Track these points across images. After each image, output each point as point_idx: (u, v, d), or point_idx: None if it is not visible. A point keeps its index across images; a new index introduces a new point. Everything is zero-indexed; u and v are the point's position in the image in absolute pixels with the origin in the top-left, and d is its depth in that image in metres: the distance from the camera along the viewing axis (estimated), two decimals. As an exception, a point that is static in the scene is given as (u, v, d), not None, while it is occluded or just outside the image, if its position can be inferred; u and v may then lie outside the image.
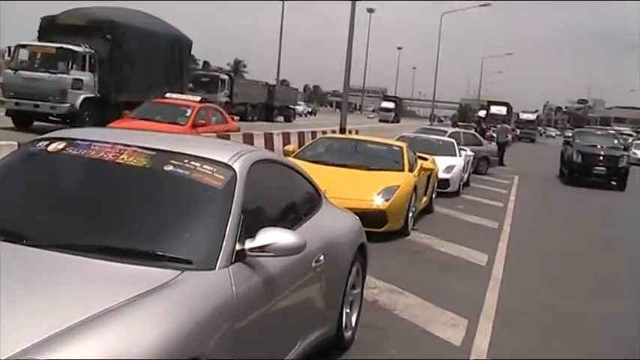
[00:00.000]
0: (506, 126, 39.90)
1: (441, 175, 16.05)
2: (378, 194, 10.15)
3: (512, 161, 31.52)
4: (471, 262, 9.34)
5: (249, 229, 3.63)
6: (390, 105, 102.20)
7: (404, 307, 6.81)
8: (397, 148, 11.94)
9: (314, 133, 21.49)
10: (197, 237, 3.56)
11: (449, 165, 16.95)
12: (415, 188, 10.96)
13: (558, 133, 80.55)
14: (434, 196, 13.78)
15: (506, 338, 6.23)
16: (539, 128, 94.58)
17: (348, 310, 5.39)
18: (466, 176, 19.20)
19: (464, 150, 19.58)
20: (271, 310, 3.75)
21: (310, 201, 5.11)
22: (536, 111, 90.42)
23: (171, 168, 3.85)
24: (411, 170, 11.33)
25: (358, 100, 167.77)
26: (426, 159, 13.54)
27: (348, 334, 5.37)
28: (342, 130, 20.77)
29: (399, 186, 10.40)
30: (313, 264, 4.42)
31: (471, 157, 20.19)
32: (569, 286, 8.78)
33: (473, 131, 29.21)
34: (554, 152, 45.79)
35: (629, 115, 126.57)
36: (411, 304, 6.93)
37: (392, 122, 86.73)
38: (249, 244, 3.57)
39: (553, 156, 42.31)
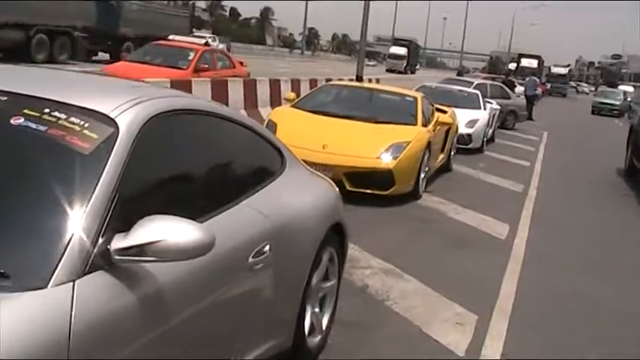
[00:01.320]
0: (535, 78, 38.10)
1: (463, 129, 14.64)
2: (385, 151, 8.77)
3: (541, 116, 29.85)
4: (488, 235, 7.98)
5: (129, 219, 2.32)
6: (401, 51, 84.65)
7: (400, 295, 5.49)
8: (411, 99, 10.48)
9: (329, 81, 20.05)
10: (23, 235, 2.23)
11: (472, 119, 15.52)
12: (429, 145, 9.56)
13: (592, 89, 77.74)
14: (453, 153, 12.37)
15: (523, 346, 4.89)
16: (572, 83, 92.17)
17: (316, 310, 4.08)
18: (491, 131, 17.73)
19: (489, 103, 18.08)
20: (164, 339, 2.45)
21: (261, 169, 3.76)
22: (568, 65, 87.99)
23: (21, 121, 2.51)
24: (425, 124, 9.91)
25: (387, 50, 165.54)
26: (444, 111, 12.09)
27: (314, 340, 4.06)
28: (359, 79, 19.27)
29: (409, 142, 9.00)
30: (250, 259, 3.10)
31: (497, 111, 18.67)
32: (605, 270, 7.36)
33: (501, 83, 27.47)
34: (586, 107, 43.93)
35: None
36: (410, 292, 5.60)
37: (403, 72, 74.86)
38: (118, 242, 2.26)
39: (585, 111, 40.55)
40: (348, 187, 8.54)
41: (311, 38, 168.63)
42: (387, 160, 8.69)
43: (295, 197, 3.76)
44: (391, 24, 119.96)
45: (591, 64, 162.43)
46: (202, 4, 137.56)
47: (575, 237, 8.76)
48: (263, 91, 14.15)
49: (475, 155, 15.16)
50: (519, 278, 6.36)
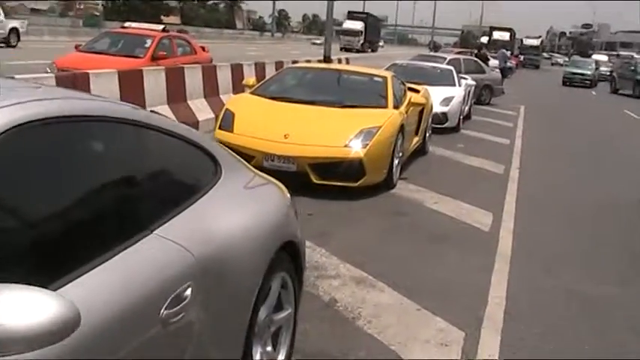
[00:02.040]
0: (504, 51, 37.64)
1: (438, 108, 13.91)
2: (353, 138, 7.98)
3: (516, 89, 29.20)
4: (471, 227, 7.23)
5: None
6: (357, 25, 75.14)
7: (373, 311, 4.71)
8: (380, 80, 9.67)
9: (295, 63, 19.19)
10: None
11: (447, 96, 14.77)
12: (402, 128, 8.79)
13: (566, 59, 77.15)
14: (428, 134, 11.61)
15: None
16: (545, 54, 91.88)
17: (268, 349, 3.30)
18: (467, 108, 17.01)
19: (464, 79, 17.32)
20: None
21: (183, 184, 2.96)
22: (540, 36, 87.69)
23: None
24: (396, 107, 9.12)
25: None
26: (417, 91, 11.31)
27: (266, 386, 3.28)
28: (326, 59, 18.44)
29: (379, 127, 8.21)
30: (163, 312, 2.30)
31: (473, 87, 17.92)
32: (602, 264, 6.63)
33: (474, 57, 26.72)
34: (561, 79, 43.41)
35: (636, 40, 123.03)
36: (384, 306, 4.82)
37: (361, 51, 68.17)
38: None
39: (560, 83, 40.02)
40: (315, 180, 7.78)
41: (281, 20, 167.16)
42: (356, 148, 7.91)
43: (230, 216, 2.96)
44: (361, 2, 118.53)
45: (562, 34, 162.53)
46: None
47: (564, 224, 8.03)
48: (224, 77, 13.27)
49: (452, 135, 14.44)
50: (508, 280, 5.61)
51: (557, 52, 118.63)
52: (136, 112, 2.85)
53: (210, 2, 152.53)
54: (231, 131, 8.23)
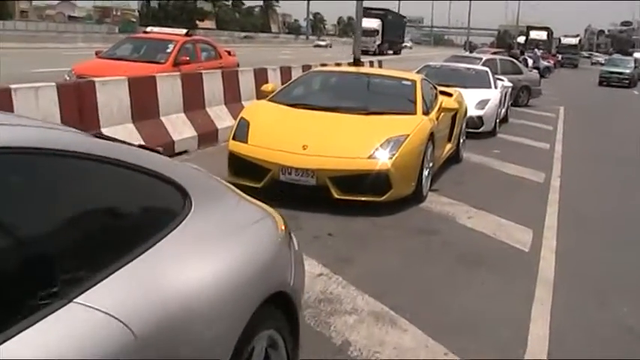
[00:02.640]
0: (536, 50, 37.51)
1: (473, 111, 13.17)
2: (379, 148, 7.30)
3: (555, 90, 28.22)
4: (508, 247, 6.49)
5: None
6: (372, 24, 63.99)
7: (393, 355, 4.02)
8: (409, 83, 8.96)
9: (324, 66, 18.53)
10: None
11: (482, 99, 14.02)
12: (432, 136, 8.08)
13: (607, 58, 75.34)
14: (462, 140, 10.86)
15: None
16: (584, 53, 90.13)
17: None
18: (504, 111, 16.20)
19: (501, 80, 16.52)
20: None
21: (135, 228, 2.31)
22: (578, 35, 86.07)
23: None
24: (426, 112, 8.41)
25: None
26: (449, 94, 10.57)
27: None
28: (356, 62, 17.76)
29: (407, 135, 7.52)
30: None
31: (509, 89, 17.10)
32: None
33: (511, 58, 25.83)
34: (592, 76, 42.06)
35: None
36: (406, 349, 4.13)
37: (378, 53, 61.07)
38: None
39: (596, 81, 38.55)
40: (336, 195, 7.12)
41: (316, 23, 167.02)
42: (381, 159, 7.23)
43: (194, 266, 2.31)
44: (396, 3, 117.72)
45: (601, 32, 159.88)
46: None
47: (614, 242, 7.24)
48: (247, 83, 12.65)
49: (487, 139, 13.66)
50: (552, 312, 4.87)
51: (596, 51, 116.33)
52: (75, 139, 2.21)
53: (245, 6, 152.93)
54: (246, 142, 7.60)
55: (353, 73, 9.78)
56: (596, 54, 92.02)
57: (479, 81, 15.16)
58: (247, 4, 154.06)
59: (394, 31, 76.36)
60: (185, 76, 10.63)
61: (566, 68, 62.49)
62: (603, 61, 59.90)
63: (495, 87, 15.26)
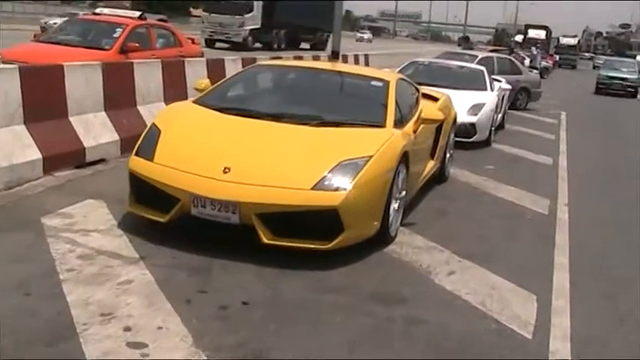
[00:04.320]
0: (539, 50, 35.45)
1: (465, 117, 11.21)
2: (328, 176, 5.25)
3: (555, 92, 26.20)
4: (505, 331, 4.46)
5: None
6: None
7: None
8: (379, 85, 6.90)
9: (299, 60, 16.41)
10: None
11: (476, 103, 12.03)
12: (406, 156, 6.03)
13: (605, 60, 72.71)
14: (449, 154, 8.81)
15: None
16: (586, 55, 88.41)
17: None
18: (500, 117, 14.19)
19: (498, 81, 14.51)
20: None
21: None
22: (576, 36, 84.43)
23: None
24: (400, 124, 6.38)
25: (391, 25, 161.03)
26: (435, 99, 8.53)
27: None
28: (335, 55, 15.68)
29: (370, 157, 5.48)
30: None
31: (507, 91, 15.07)
32: None
33: (510, 56, 23.80)
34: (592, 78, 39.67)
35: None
36: None
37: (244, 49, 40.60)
38: None
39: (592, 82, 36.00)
40: (265, 239, 5.11)
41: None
42: (330, 192, 5.17)
43: None
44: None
45: (599, 34, 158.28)
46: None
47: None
48: (197, 76, 10.48)
49: (480, 150, 11.66)
50: None
51: (593, 52, 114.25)
52: None
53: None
54: (151, 159, 5.56)
55: (309, 69, 7.55)
56: (600, 56, 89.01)
57: (473, 82, 13.16)
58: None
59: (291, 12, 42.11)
60: (108, 67, 8.56)
61: (564, 69, 60.60)
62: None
63: (492, 89, 13.27)
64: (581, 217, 7.68)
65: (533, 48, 37.71)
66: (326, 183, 5.22)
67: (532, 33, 66.33)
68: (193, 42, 15.83)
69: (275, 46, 38.56)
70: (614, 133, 17.72)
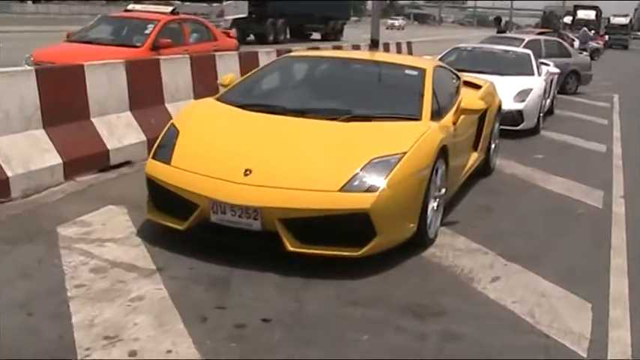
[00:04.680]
0: (585, 29, 33.70)
1: (511, 104, 10.66)
2: (358, 176, 4.81)
3: (605, 74, 25.26)
4: (557, 343, 3.98)
5: None
6: None
7: None
8: (414, 73, 6.40)
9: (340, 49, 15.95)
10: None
11: (522, 89, 11.42)
12: (445, 150, 5.55)
13: None
14: (494, 144, 8.27)
15: None
16: (637, 33, 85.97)
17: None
18: (549, 102, 13.52)
19: (546, 65, 13.84)
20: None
21: None
22: (627, 15, 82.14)
23: None
24: (437, 116, 5.89)
25: (436, 12, 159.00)
26: (477, 86, 8.00)
27: None
28: (374, 43, 15.13)
29: (404, 154, 5.01)
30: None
31: (556, 75, 14.37)
32: None
33: (558, 38, 22.92)
34: None
35: None
36: None
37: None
38: None
39: None
40: (290, 247, 4.68)
41: (357, 5, 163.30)
42: (360, 194, 4.72)
43: None
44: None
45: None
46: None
47: None
48: (229, 71, 10.13)
49: (528, 139, 11.06)
50: None
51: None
52: None
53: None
54: (168, 162, 5.18)
55: (340, 59, 7.09)
56: None
57: (519, 67, 12.55)
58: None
59: None
60: (132, 65, 8.21)
61: (615, 49, 58.89)
62: None
63: (539, 74, 12.61)
64: (639, 211, 7.09)
65: (585, 28, 36.23)
66: (355, 183, 4.77)
67: (581, 14, 64.78)
68: (229, 36, 15.50)
69: (271, 37, 33.57)
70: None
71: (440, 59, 12.94)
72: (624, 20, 73.05)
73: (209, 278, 4.58)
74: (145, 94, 8.34)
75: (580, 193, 7.64)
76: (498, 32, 23.68)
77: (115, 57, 10.00)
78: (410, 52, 20.63)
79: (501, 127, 9.71)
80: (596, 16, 64.99)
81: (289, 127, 5.45)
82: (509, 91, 11.05)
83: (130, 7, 14.65)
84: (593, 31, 44.37)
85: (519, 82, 11.61)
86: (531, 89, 11.51)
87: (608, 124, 13.70)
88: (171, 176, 5.09)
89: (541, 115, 11.97)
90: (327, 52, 9.34)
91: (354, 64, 6.89)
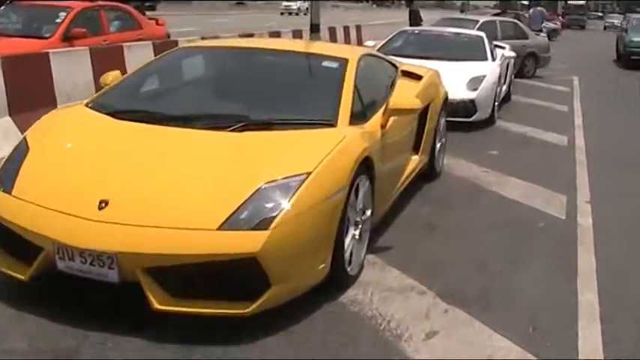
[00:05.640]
0: (541, 9, 32.17)
1: (463, 93, 9.59)
2: (244, 208, 3.61)
3: (564, 55, 24.30)
4: None
5: None
6: None
7: None
8: (333, 66, 5.16)
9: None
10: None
11: (475, 76, 10.33)
12: (368, 163, 4.37)
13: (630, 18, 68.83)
14: (439, 144, 7.13)
15: None
16: (595, 14, 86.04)
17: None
18: (505, 88, 12.44)
19: (501, 48, 12.79)
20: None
21: None
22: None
23: None
24: (361, 119, 4.71)
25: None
26: (418, 77, 6.80)
27: None
28: (314, 27, 13.87)
29: (308, 174, 3.83)
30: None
31: (512, 59, 13.29)
32: None
33: (515, 19, 21.85)
34: (612, 40, 37.31)
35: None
36: None
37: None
38: None
39: (612, 45, 33.79)
40: (157, 305, 3.46)
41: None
42: (246, 232, 3.52)
43: None
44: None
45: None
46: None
47: None
48: (140, 63, 8.85)
49: (482, 131, 9.97)
50: None
51: (602, 11, 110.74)
52: None
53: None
54: (9, 191, 3.92)
55: (242, 49, 5.76)
56: (613, 15, 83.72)
57: (471, 51, 11.44)
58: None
59: None
60: (10, 61, 6.90)
61: (574, 30, 58.38)
62: (618, 24, 46.13)
63: (493, 58, 11.51)
64: (608, 221, 6.01)
65: (538, 8, 33.98)
66: (242, 218, 3.57)
67: (539, -6, 64.28)
68: (157, 23, 14.13)
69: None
70: (634, 99, 15.88)
71: (384, 44, 11.83)
72: (581, 2, 73.14)
73: (54, 351, 3.36)
74: (30, 94, 7.05)
75: (540, 199, 6.53)
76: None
77: (20, 50, 8.80)
78: (359, 39, 19.38)
79: (452, 119, 8.66)
80: (555, -4, 64.71)
81: (165, 141, 4.22)
82: (461, 79, 10.00)
83: (43, -8, 13.24)
84: (548, 11, 43.30)
85: (471, 69, 10.51)
86: (484, 76, 10.40)
87: (569, 110, 12.67)
88: (11, 210, 3.85)
89: (496, 103, 10.87)
90: (228, 41, 7.99)
91: (260, 56, 5.59)
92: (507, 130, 10.33)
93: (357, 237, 4.34)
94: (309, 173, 3.81)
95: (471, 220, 5.91)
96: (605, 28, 65.80)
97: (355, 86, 4.87)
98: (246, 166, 3.89)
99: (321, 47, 6.07)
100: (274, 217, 3.57)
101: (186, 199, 3.68)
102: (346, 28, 19.13)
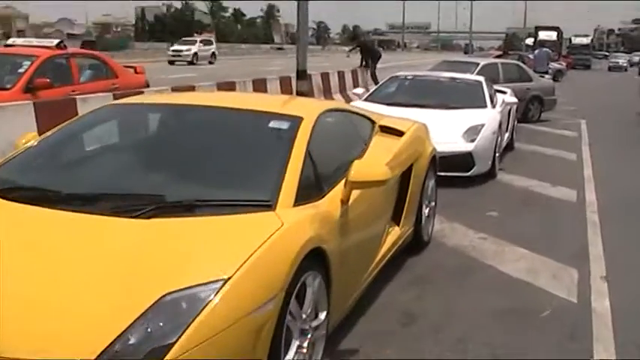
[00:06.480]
0: (547, 50, 31.23)
1: (459, 145, 8.64)
2: (135, 330, 2.59)
3: (570, 97, 23.38)
4: None
5: None
6: None
7: None
8: (283, 127, 4.17)
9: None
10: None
11: (472, 125, 9.39)
12: (320, 256, 3.34)
13: (635, 60, 68.22)
14: (427, 209, 6.12)
15: None
16: (599, 53, 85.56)
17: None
18: (507, 136, 11.49)
19: (502, 93, 11.87)
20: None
21: None
22: (587, 35, 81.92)
23: None
24: (312, 196, 3.71)
25: (399, 37, 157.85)
26: (398, 133, 5.81)
27: None
28: (301, 74, 12.96)
29: (224, 282, 2.84)
30: None
31: (514, 105, 12.34)
32: None
33: (519, 60, 20.98)
34: (627, 83, 36.10)
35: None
36: None
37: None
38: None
39: (626, 88, 32.59)
40: None
41: (321, 32, 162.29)
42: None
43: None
44: (399, 7, 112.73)
45: (611, 31, 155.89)
46: (204, 7, 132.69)
47: None
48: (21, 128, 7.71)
49: (480, 187, 8.99)
50: None
51: (607, 51, 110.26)
52: None
53: (246, 17, 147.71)
54: None
55: (175, 107, 4.61)
56: (618, 54, 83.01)
57: (469, 98, 10.52)
58: (248, 14, 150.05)
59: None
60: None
61: (578, 69, 57.77)
62: (625, 64, 43.54)
63: (493, 105, 10.57)
64: (629, 304, 4.96)
65: (543, 48, 32.85)
66: (130, 344, 2.58)
67: (543, 35, 63.80)
68: (136, 71, 13.26)
69: None
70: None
71: (374, 91, 10.96)
72: (586, 40, 72.74)
73: None
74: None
75: (546, 276, 5.51)
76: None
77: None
78: (342, 81, 18.06)
79: (448, 173, 7.72)
80: (558, 36, 64.06)
81: (53, 232, 3.25)
82: (457, 129, 9.11)
83: (10, 41, 12.46)
84: (553, 51, 42.51)
85: (469, 117, 9.59)
86: (483, 125, 9.45)
87: (577, 159, 11.67)
88: None
89: (497, 155, 9.89)
90: (164, 96, 6.90)
91: (195, 115, 4.57)
92: (509, 185, 9.33)
93: (304, 350, 3.33)
94: (227, 279, 2.82)
95: (459, 308, 4.87)
96: (609, 68, 65.20)
97: (308, 153, 3.89)
98: (147, 269, 2.91)
99: (274, 102, 5.11)
100: (171, 344, 2.57)
101: (63, 317, 2.70)
102: (340, 73, 18.15)
